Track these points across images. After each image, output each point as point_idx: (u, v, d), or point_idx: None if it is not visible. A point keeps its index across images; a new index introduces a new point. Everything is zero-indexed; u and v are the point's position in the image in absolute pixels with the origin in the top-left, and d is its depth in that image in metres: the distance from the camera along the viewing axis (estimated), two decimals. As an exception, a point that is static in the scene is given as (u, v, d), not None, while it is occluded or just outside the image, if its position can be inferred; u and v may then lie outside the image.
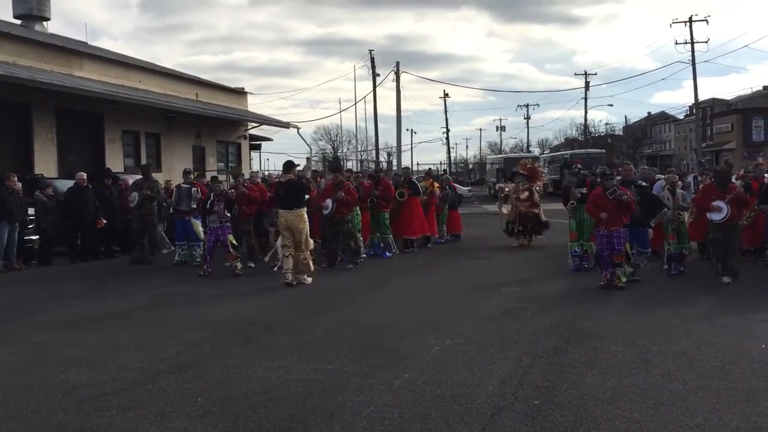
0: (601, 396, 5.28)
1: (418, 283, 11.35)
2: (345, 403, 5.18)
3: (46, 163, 20.16)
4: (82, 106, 21.39)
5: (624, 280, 10.14)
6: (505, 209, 16.39)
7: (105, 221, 15.07)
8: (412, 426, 4.71)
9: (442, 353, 6.62)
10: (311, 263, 11.32)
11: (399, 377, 5.83)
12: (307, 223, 11.43)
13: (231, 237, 12.42)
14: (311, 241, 11.59)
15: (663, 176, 13.21)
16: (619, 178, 11.11)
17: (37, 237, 14.40)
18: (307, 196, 12.87)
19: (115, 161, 22.18)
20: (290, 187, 11.37)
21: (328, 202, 12.90)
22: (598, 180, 10.84)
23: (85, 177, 15.30)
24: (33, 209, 14.30)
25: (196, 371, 6.14)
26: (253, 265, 13.21)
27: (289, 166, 12.04)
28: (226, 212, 12.43)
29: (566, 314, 8.41)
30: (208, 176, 16.55)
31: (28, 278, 12.62)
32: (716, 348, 6.67)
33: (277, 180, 12.92)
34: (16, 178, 13.92)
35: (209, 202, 12.43)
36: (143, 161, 24.12)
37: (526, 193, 16.00)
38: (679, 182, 12.09)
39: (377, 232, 14.95)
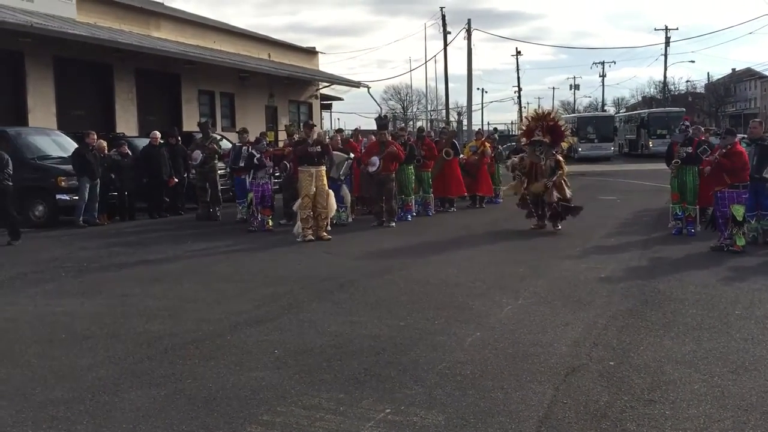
0: (679, 359, 5.17)
1: (487, 243, 11.27)
2: (417, 359, 5.24)
3: (126, 122, 20.87)
4: (159, 66, 21.94)
5: (741, 243, 9.66)
6: (512, 188, 12.97)
7: (177, 180, 15.62)
8: (484, 383, 4.73)
9: (514, 312, 6.60)
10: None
11: (471, 335, 5.85)
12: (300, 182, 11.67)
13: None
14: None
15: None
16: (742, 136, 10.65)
17: (116, 193, 14.97)
18: (352, 156, 13.17)
19: (191, 121, 22.71)
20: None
21: (375, 159, 12.97)
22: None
23: (159, 136, 15.85)
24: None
25: (273, 324, 6.31)
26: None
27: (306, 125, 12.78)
28: (274, 168, 13.05)
29: (642, 276, 8.23)
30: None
31: (111, 233, 13.14)
32: (803, 313, 6.42)
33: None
34: (95, 136, 14.40)
35: (256, 158, 12.77)
36: (219, 121, 24.62)
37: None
38: None
39: (420, 191, 15.12)
